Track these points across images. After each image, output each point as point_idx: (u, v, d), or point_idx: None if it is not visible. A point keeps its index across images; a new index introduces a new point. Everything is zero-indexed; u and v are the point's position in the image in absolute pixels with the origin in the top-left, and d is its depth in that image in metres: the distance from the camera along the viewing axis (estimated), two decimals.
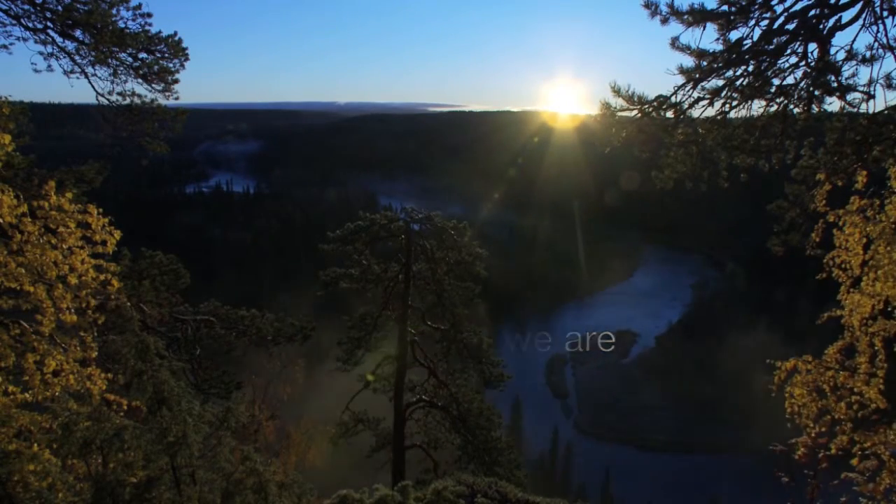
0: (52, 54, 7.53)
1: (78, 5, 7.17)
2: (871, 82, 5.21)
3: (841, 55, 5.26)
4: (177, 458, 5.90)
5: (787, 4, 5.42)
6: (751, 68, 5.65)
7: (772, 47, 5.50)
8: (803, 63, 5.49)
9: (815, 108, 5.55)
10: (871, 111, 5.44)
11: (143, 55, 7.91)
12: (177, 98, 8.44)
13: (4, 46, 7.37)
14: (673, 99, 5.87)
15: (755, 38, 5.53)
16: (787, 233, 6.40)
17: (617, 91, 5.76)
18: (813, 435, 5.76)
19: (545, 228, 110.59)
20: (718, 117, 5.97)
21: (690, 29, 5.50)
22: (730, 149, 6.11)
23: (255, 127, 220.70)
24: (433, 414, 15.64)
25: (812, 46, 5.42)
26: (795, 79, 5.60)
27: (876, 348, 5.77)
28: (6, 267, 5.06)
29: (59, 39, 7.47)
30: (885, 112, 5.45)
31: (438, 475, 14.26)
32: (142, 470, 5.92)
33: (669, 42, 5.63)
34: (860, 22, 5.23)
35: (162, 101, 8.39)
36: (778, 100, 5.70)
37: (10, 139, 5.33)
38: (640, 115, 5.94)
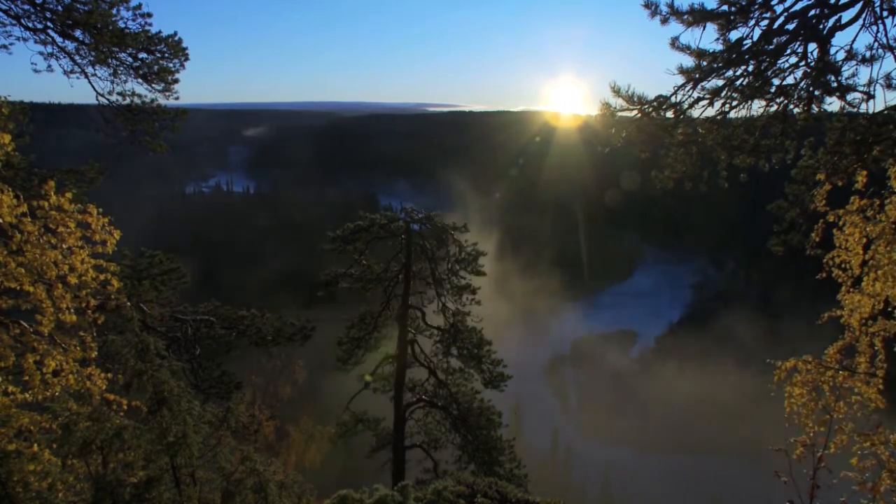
0: (52, 54, 7.52)
1: (78, 5, 7.17)
2: (871, 82, 5.21)
3: (841, 55, 5.26)
4: (177, 458, 5.90)
5: (787, 4, 5.43)
6: (751, 68, 5.64)
7: (772, 47, 5.49)
8: (803, 63, 5.49)
9: (815, 108, 5.55)
10: (871, 111, 5.44)
11: (143, 55, 7.90)
12: (177, 98, 8.43)
13: (4, 46, 7.36)
14: (673, 99, 5.86)
15: (755, 38, 5.53)
16: (787, 233, 6.40)
17: (617, 91, 5.76)
18: (812, 435, 5.75)
19: (546, 228, 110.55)
20: (718, 117, 5.97)
21: (690, 29, 5.50)
22: (730, 149, 6.11)
23: (256, 127, 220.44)
24: (433, 414, 15.63)
25: (812, 46, 5.41)
26: (795, 79, 5.60)
27: (876, 348, 5.78)
28: (6, 267, 5.06)
29: (59, 39, 7.47)
30: (885, 112, 5.45)
31: (438, 475, 14.25)
32: (142, 470, 5.93)
33: (669, 42, 5.63)
34: (860, 22, 5.22)
35: (162, 101, 8.37)
36: (778, 100, 5.70)
37: (9, 139, 5.33)
38: (640, 115, 5.94)
